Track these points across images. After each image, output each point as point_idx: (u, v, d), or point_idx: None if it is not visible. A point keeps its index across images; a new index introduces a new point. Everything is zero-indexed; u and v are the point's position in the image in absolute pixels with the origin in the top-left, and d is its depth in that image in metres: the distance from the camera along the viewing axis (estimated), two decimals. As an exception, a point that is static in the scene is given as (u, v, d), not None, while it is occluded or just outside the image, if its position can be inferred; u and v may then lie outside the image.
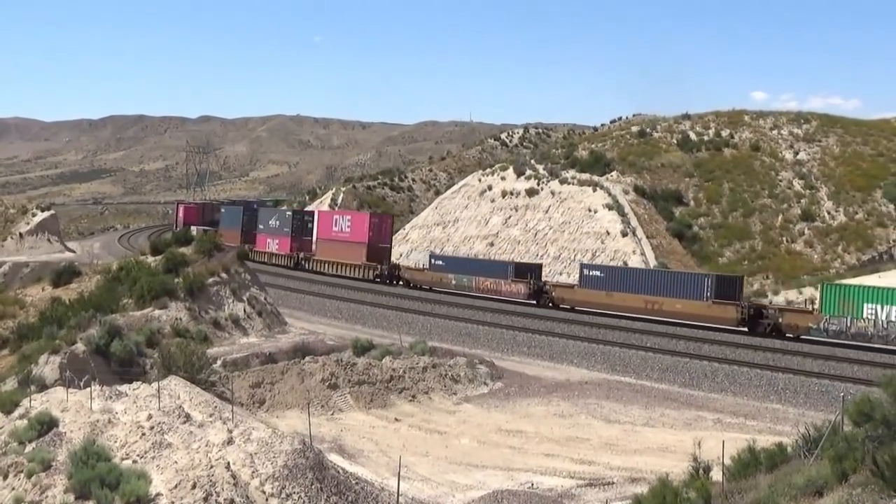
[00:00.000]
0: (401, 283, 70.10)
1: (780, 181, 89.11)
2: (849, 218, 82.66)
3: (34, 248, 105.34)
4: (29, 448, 20.82)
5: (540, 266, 65.37)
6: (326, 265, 76.99)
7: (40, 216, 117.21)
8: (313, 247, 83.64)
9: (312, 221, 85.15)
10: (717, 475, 14.72)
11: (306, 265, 79.91)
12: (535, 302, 57.56)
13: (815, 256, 78.43)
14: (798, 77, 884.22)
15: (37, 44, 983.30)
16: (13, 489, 19.52)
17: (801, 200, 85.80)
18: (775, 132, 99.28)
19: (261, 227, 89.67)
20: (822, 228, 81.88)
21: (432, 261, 69.88)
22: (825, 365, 37.46)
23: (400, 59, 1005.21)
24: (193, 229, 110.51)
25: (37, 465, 19.57)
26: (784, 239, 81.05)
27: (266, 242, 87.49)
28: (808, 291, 60.87)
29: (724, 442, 16.39)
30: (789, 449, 14.55)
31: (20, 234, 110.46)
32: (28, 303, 48.06)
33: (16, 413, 23.91)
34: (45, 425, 21.63)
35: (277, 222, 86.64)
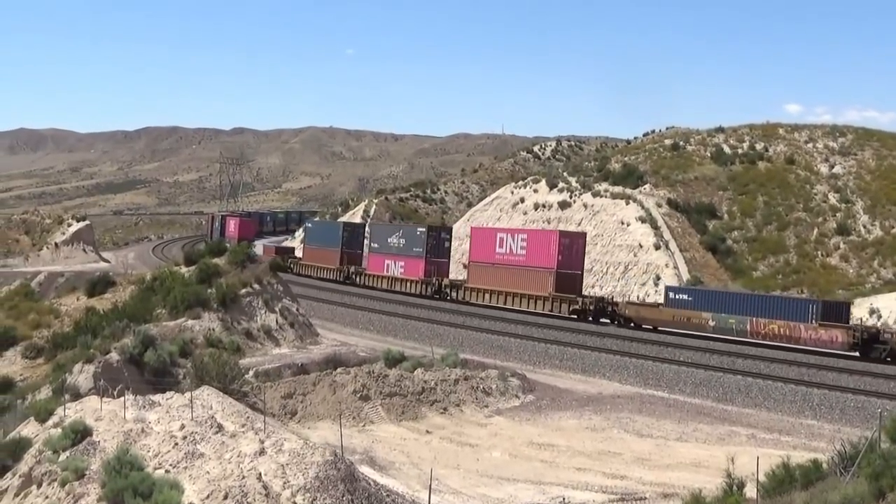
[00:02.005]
0: (608, 320, 55.37)
1: (815, 195, 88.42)
2: (885, 232, 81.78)
3: (69, 258, 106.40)
4: (63, 456, 20.94)
5: (848, 305, 50.83)
6: (487, 295, 62.73)
7: (75, 226, 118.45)
8: (451, 270, 73.49)
9: (450, 240, 73.21)
10: (751, 492, 14.59)
11: (453, 294, 66.69)
12: (857, 354, 43.21)
13: (851, 271, 77.67)
14: (833, 90, 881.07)
15: (73, 56, 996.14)
16: (47, 497, 19.64)
17: (837, 214, 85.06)
18: (810, 145, 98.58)
19: (375, 245, 77.37)
20: (857, 242, 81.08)
21: (671, 294, 53.57)
22: (861, 381, 37.07)
23: (432, 72, 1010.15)
24: (260, 246, 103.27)
25: (70, 473, 19.68)
26: (819, 253, 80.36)
27: (384, 265, 74.41)
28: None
29: (758, 458, 16.24)
30: (825, 465, 14.38)
31: (56, 244, 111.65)
32: (63, 312, 48.47)
33: (50, 421, 24.08)
34: (79, 434, 21.76)
35: (403, 241, 72.64)
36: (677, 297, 52.89)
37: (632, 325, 53.41)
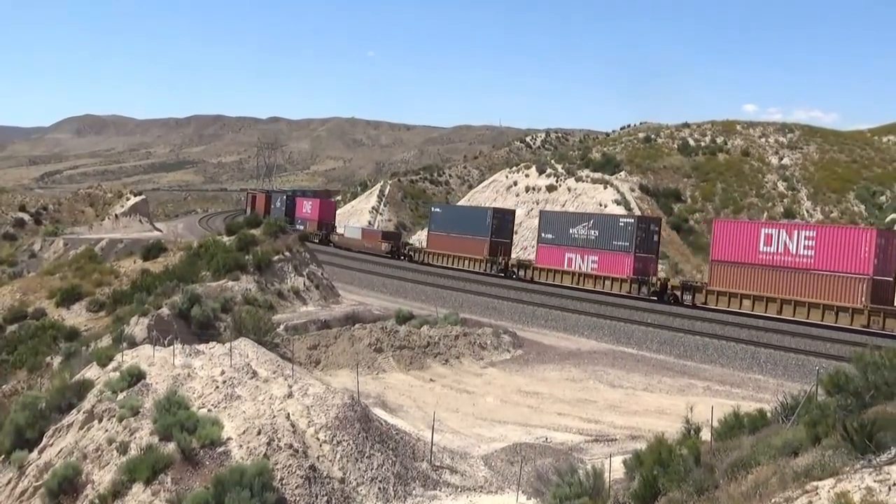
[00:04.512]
0: None
1: (766, 183, 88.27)
2: (825, 216, 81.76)
3: (127, 227, 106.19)
4: (120, 396, 21.01)
5: None
6: (746, 301, 45.74)
7: (133, 200, 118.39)
8: (658, 268, 56.89)
9: (659, 232, 55.55)
10: (706, 435, 14.62)
11: (683, 298, 48.85)
12: None
13: (795, 248, 77.68)
14: (784, 92, 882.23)
15: (132, 52, 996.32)
16: (106, 431, 19.73)
17: (784, 200, 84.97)
18: (763, 140, 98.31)
19: (548, 236, 58.92)
20: (622, 216, 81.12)
21: None
22: (802, 342, 37.04)
23: (440, 72, 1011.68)
24: (356, 231, 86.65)
25: (127, 410, 19.76)
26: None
27: (563, 259, 57.10)
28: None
29: (712, 407, 16.26)
30: (769, 414, 14.41)
31: (116, 215, 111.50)
32: (121, 273, 48.46)
33: (110, 366, 24.13)
34: (135, 377, 21.83)
35: (595, 232, 55.28)
36: None
37: None
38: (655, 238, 54.35)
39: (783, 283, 44.57)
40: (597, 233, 55.32)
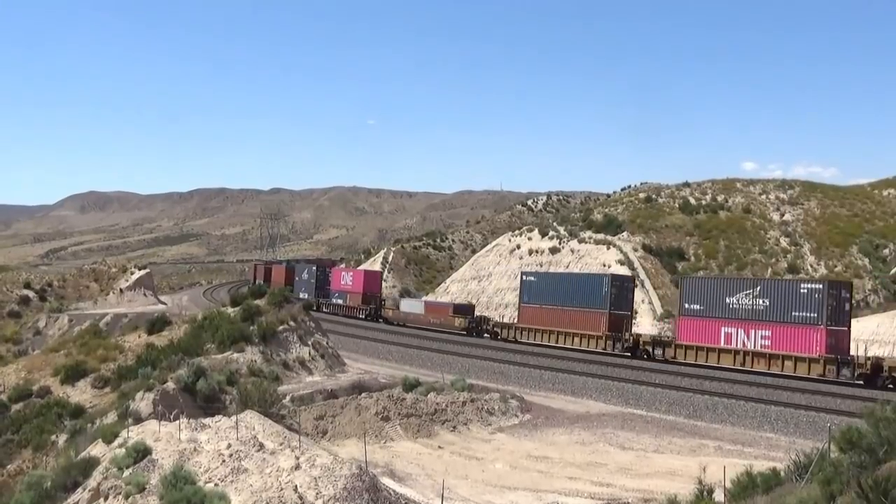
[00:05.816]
0: None
1: (769, 239, 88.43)
2: (829, 270, 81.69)
3: (132, 301, 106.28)
4: (126, 473, 20.84)
5: None
6: None
7: (137, 274, 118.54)
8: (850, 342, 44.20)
9: (850, 298, 44.86)
10: (719, 496, 14.44)
11: None
12: None
13: (801, 304, 77.44)
14: (783, 149, 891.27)
15: (135, 128, 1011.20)
16: (113, 508, 19.53)
17: (787, 255, 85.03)
18: (764, 197, 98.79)
19: (694, 307, 48.29)
20: (805, 280, 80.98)
21: None
22: (812, 398, 36.76)
23: (441, 137, 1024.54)
24: (418, 304, 74.60)
25: (133, 487, 19.58)
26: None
27: (719, 334, 46.69)
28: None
29: (725, 467, 16.10)
30: (782, 473, 14.25)
31: (120, 290, 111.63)
32: (126, 348, 48.37)
33: (116, 442, 23.99)
34: (141, 453, 21.68)
35: (764, 301, 45.12)
36: None
37: None
38: (847, 307, 44.07)
39: None
40: (767, 301, 45.25)
